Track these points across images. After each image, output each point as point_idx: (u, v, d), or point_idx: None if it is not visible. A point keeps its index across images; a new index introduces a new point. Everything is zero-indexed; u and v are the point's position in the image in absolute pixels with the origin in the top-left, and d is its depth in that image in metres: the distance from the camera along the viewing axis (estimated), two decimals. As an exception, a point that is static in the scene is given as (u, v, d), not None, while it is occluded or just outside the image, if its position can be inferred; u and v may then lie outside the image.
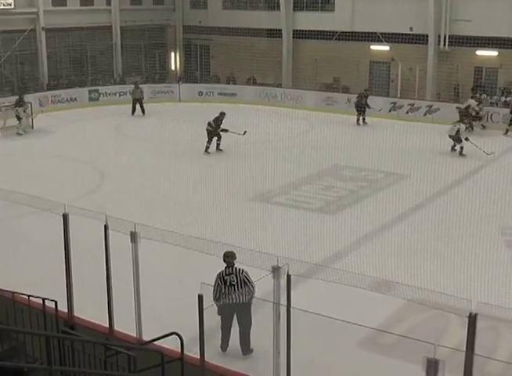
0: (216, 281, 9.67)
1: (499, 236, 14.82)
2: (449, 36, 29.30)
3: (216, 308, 9.54)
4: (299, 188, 18.53)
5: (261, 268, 8.33)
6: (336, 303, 10.64)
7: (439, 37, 29.60)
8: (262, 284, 8.37)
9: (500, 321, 9.65)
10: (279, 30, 33.30)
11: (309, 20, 32.35)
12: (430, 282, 11.39)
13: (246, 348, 9.84)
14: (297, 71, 33.42)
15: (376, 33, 30.36)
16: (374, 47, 31.26)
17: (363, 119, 27.24)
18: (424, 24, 29.43)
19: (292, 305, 7.63)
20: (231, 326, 9.82)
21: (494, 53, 28.93)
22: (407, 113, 28.78)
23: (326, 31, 31.34)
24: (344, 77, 32.09)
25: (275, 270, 7.70)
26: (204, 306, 7.42)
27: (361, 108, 27.24)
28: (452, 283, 11.56)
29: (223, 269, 9.70)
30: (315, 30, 31.68)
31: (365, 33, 30.75)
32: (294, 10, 33.18)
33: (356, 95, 28.07)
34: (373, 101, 29.07)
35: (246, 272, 9.54)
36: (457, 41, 28.57)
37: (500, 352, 10.01)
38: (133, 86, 30.01)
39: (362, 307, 10.63)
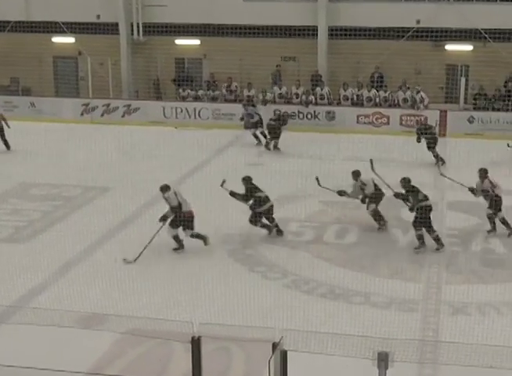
0: None
1: (222, 245, 15.52)
2: (143, 24, 30.10)
3: None
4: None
5: None
6: (41, 349, 10.46)
7: (132, 25, 30.27)
8: None
9: (230, 341, 10.12)
10: None
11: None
12: (146, 308, 11.63)
13: None
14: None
15: (58, 22, 30.08)
16: (57, 39, 31.05)
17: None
18: (113, 11, 29.92)
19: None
20: None
21: (196, 42, 30.24)
22: (102, 115, 29.00)
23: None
24: (24, 77, 31.40)
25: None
26: None
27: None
28: (171, 306, 11.89)
29: None
30: (-19, 21, 30.65)
31: (44, 22, 30.22)
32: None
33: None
34: (62, 103, 29.08)
35: None
36: (153, 29, 29.40)
37: (233, 373, 10.47)
38: None
39: (72, 348, 10.52)
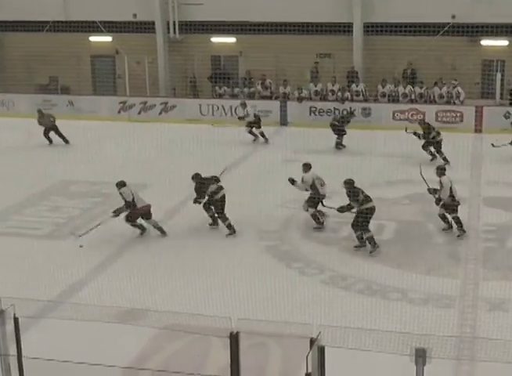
0: None
1: (259, 241, 15.61)
2: (180, 22, 30.21)
3: None
4: (20, 212, 17.98)
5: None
6: (80, 343, 10.55)
7: (168, 23, 30.40)
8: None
9: (267, 336, 10.14)
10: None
11: (12, 8, 31.44)
12: (184, 304, 11.68)
13: None
14: (5, 72, 32.41)
15: (95, 22, 30.36)
16: (94, 38, 31.31)
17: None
18: (150, 10, 30.07)
19: (24, 353, 7.42)
20: None
21: (232, 40, 30.30)
22: (140, 113, 29.18)
23: (36, 21, 30.73)
24: (62, 76, 31.70)
25: (-2, 314, 7.45)
26: None
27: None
28: (209, 301, 11.93)
29: None
30: (21, 21, 30.84)
31: (82, 22, 30.52)
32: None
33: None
34: (100, 102, 29.33)
35: None
36: (189, 27, 29.47)
37: (270, 369, 10.50)
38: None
39: (110, 343, 10.62)
